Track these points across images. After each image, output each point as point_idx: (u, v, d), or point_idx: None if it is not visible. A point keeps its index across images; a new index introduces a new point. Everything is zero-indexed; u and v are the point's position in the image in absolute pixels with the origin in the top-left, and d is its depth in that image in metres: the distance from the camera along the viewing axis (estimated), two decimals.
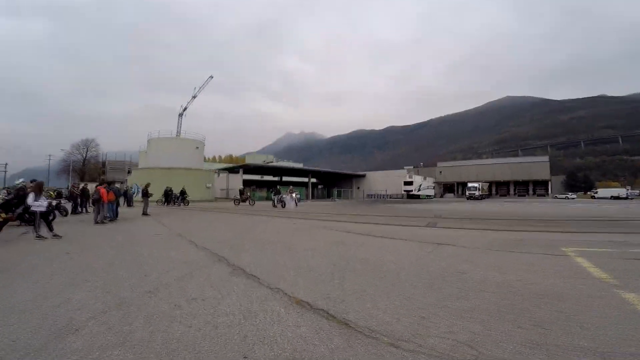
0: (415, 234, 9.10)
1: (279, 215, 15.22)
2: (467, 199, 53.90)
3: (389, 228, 10.24)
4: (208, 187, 36.69)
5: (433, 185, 66.06)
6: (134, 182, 33.41)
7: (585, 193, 64.19)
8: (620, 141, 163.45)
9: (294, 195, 21.33)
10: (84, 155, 69.88)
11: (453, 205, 31.54)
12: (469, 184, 56.82)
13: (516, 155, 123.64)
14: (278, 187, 22.24)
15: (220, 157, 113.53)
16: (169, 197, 24.33)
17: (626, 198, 50.17)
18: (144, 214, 14.26)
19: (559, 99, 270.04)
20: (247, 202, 24.14)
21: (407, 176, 57.15)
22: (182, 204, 23.95)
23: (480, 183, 57.57)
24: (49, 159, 62.61)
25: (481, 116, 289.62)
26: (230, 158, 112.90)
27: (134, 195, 24.39)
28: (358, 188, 61.70)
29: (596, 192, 55.50)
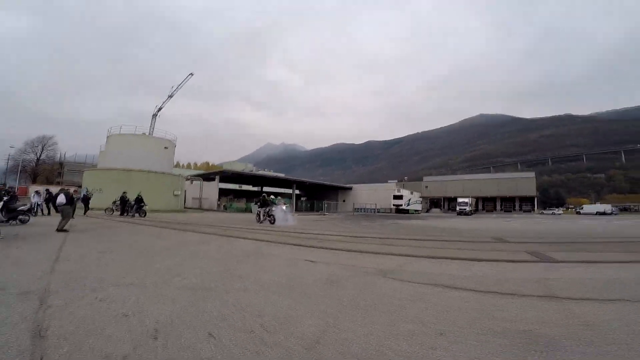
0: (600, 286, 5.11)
1: (271, 236, 10.77)
2: (458, 214, 51.85)
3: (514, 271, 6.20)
4: (176, 195, 31.24)
5: (420, 200, 63.70)
6: (86, 185, 27.51)
7: (567, 209, 64.33)
8: (584, 159, 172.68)
9: (284, 207, 16.96)
10: (38, 154, 61.54)
11: (464, 221, 28.42)
12: (459, 199, 54.76)
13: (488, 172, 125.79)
14: (265, 195, 17.57)
15: (196, 164, 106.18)
16: (124, 205, 19.14)
17: (610, 214, 50.04)
18: (60, 229, 9.39)
19: (528, 117, 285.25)
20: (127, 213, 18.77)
21: (396, 190, 54.43)
22: (136, 214, 18.71)
23: (469, 198, 55.73)
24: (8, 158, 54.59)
25: (455, 133, 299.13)
26: (207, 165, 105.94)
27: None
28: (344, 201, 57.95)
29: (581, 208, 55.37)
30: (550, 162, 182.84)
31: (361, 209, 54.84)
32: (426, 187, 74.36)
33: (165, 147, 31.86)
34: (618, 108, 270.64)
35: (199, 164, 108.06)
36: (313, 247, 8.20)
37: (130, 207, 19.06)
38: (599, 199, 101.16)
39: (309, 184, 54.17)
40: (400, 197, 52.47)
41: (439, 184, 74.58)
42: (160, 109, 38.90)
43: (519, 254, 7.81)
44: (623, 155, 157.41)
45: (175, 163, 44.73)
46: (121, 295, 3.48)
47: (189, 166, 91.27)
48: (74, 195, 11.09)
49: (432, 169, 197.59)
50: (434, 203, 74.21)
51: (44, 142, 62.17)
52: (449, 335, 2.78)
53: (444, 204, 72.21)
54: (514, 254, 7.83)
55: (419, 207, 60.30)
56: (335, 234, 12.77)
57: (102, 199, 22.51)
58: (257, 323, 2.84)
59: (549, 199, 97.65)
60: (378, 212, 52.27)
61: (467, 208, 53.06)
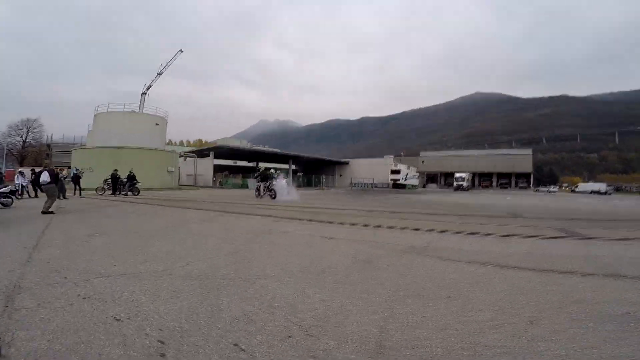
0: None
1: (277, 212, 10.10)
2: (455, 189, 51.76)
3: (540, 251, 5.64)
4: (170, 172, 30.15)
5: (417, 175, 63.42)
6: (75, 165, 26.24)
7: (562, 187, 64.87)
8: (579, 139, 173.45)
9: (284, 181, 16.19)
10: (24, 137, 59.58)
11: (467, 196, 28.21)
12: (457, 175, 54.54)
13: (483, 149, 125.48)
14: (264, 168, 16.74)
15: (189, 142, 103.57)
16: (115, 183, 18.17)
17: (605, 193, 50.42)
18: (45, 211, 8.53)
19: (525, 97, 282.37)
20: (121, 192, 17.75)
21: (394, 165, 53.85)
22: (129, 192, 17.78)
23: (467, 173, 55.54)
24: None
25: (451, 111, 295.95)
26: (200, 142, 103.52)
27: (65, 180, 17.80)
28: (340, 176, 57.36)
29: (576, 187, 55.69)
30: (545, 141, 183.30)
31: (358, 183, 54.45)
32: (423, 162, 73.92)
33: (157, 124, 30.32)
34: (614, 91, 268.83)
35: (192, 142, 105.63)
36: (326, 222, 7.56)
37: (122, 185, 18.09)
38: (591, 178, 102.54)
39: (306, 159, 53.20)
40: (397, 172, 51.98)
41: (436, 159, 74.18)
42: (149, 87, 37.07)
43: (545, 229, 7.30)
44: (617, 137, 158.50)
45: (167, 141, 43.13)
46: (111, 289, 2.76)
47: (181, 144, 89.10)
48: (59, 173, 10.12)
49: (427, 146, 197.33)
50: (430, 178, 74.11)
51: (28, 125, 60.01)
52: (541, 323, 2.27)
53: (441, 179, 72.16)
54: (540, 229, 7.31)
55: (415, 182, 60.10)
56: (343, 207, 12.19)
57: (93, 178, 21.44)
58: (293, 324, 2.17)
59: (543, 176, 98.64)
60: (375, 186, 51.94)
61: (465, 183, 52.92)
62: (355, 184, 54.53)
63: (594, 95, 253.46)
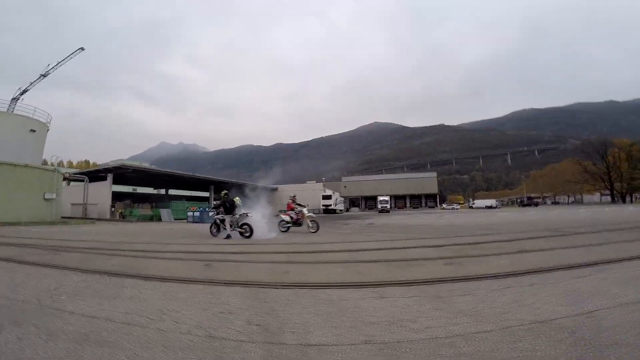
0: None
1: (281, 265, 6.47)
2: (380, 212, 53.95)
3: None
4: (48, 200, 21.33)
5: (343, 199, 64.40)
6: None
7: (461, 204, 75.53)
8: (454, 163, 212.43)
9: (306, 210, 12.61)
10: None
11: (425, 218, 28.16)
12: (380, 198, 57.28)
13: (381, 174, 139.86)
14: (226, 193, 12.18)
15: (71, 162, 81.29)
16: None
17: (496, 207, 60.52)
18: None
19: (412, 126, 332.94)
20: None
21: (325, 190, 53.27)
22: None
23: (388, 197, 58.95)
24: None
25: (354, 139, 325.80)
26: (86, 164, 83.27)
27: None
28: (269, 203, 53.13)
29: (473, 203, 65.50)
30: (429, 166, 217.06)
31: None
32: (345, 186, 76.09)
33: (32, 130, 21.49)
34: (478, 119, 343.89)
35: (75, 163, 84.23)
36: (395, 283, 4.47)
37: None
38: (466, 196, 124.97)
39: (231, 184, 47.48)
40: (329, 197, 51.48)
41: (357, 184, 77.50)
42: (24, 91, 27.49)
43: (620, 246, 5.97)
44: (481, 160, 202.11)
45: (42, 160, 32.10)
46: None
47: (60, 164, 69.85)
48: None
49: (335, 172, 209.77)
50: (352, 202, 76.55)
51: None
52: None
53: (361, 202, 75.26)
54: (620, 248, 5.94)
55: (342, 206, 60.74)
56: (355, 242, 9.08)
57: None
58: None
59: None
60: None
61: (388, 206, 55.93)
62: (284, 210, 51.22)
63: (464, 123, 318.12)
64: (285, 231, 12.34)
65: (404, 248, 7.46)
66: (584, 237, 8.32)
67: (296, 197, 13.54)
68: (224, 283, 4.03)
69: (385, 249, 7.42)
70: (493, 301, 3.03)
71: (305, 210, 12.57)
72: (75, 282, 3.96)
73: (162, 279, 4.19)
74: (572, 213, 23.37)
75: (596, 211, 24.74)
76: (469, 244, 7.78)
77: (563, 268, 4.38)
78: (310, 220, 12.30)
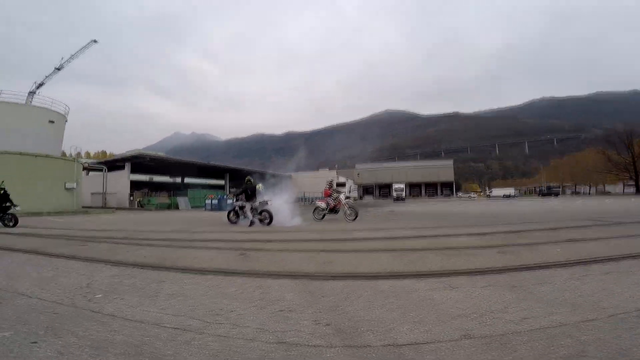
0: None
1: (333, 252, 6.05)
2: (395, 200, 53.17)
3: None
4: (70, 189, 21.68)
5: (356, 187, 63.76)
6: None
7: (478, 193, 73.64)
8: (469, 151, 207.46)
9: (285, 198, 11.90)
10: None
11: (443, 206, 27.47)
12: (396, 185, 56.31)
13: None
14: (250, 179, 11.82)
15: (88, 153, 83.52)
16: None
17: (514, 197, 58.72)
18: None
19: (425, 114, 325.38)
20: None
21: (338, 178, 52.68)
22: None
23: (403, 184, 57.95)
24: None
25: (366, 126, 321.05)
26: (103, 154, 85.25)
27: None
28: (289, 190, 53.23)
29: (491, 192, 63.65)
30: (443, 154, 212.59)
31: (303, 198, 51.30)
32: (358, 174, 75.26)
33: (51, 121, 21.67)
34: (494, 108, 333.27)
35: (92, 154, 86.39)
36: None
37: None
38: (482, 184, 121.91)
39: (246, 173, 47.58)
40: (343, 185, 50.85)
41: (371, 172, 76.42)
42: (40, 85, 27.87)
43: None
44: (497, 148, 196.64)
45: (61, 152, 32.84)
46: None
47: (78, 156, 71.98)
48: None
49: (348, 159, 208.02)
50: (366, 190, 75.80)
51: None
52: None
53: (376, 190, 74.38)
54: None
55: (356, 194, 60.22)
56: (398, 229, 8.56)
57: None
58: None
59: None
60: None
61: (403, 194, 55.04)
62: (300, 198, 51.22)
63: (480, 111, 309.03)
64: (320, 219, 11.62)
65: (445, 236, 7.00)
66: (630, 227, 7.75)
67: (333, 182, 12.70)
68: (269, 275, 3.68)
69: (424, 236, 6.98)
70: (577, 290, 2.82)
71: (342, 197, 11.74)
72: (107, 276, 3.68)
73: (201, 271, 3.87)
74: (600, 203, 22.19)
75: (625, 202, 23.40)
76: (512, 232, 7.35)
77: (630, 257, 4.10)
78: (349, 207, 11.46)
